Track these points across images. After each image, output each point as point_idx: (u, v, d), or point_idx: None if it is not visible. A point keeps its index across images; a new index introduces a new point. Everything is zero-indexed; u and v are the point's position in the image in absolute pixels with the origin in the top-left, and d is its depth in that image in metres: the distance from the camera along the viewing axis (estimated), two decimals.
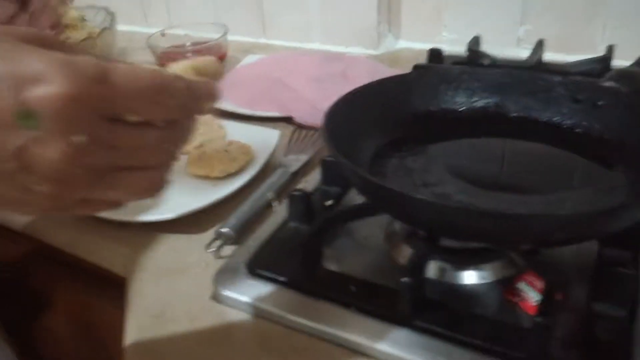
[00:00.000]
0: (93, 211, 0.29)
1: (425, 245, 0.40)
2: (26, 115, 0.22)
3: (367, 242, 0.49)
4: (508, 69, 0.54)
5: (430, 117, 0.52)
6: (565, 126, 0.50)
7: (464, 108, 0.53)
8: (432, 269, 0.44)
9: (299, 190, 0.48)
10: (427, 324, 0.38)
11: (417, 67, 0.70)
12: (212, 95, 0.29)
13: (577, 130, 0.49)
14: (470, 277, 0.44)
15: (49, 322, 0.68)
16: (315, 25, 0.92)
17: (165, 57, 0.86)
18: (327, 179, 0.52)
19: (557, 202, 0.42)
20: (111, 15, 0.87)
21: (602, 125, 0.48)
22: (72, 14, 0.86)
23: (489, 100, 0.52)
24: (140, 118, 0.25)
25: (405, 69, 0.74)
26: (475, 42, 0.76)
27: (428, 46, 0.88)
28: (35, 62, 0.22)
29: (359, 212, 0.46)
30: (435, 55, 0.74)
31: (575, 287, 0.40)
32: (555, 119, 0.50)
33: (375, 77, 0.57)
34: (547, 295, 0.41)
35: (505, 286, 0.43)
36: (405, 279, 0.37)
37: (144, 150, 0.26)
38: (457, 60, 0.76)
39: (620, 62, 0.76)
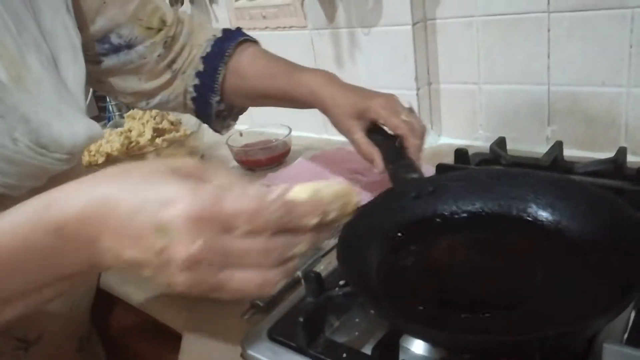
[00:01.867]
0: (221, 296, 0.36)
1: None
2: (161, 230, 0.32)
3: (372, 317, 0.59)
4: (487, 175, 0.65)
5: (428, 221, 0.64)
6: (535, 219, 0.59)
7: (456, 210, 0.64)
8: (415, 343, 0.53)
9: (313, 271, 0.60)
10: None
11: (440, 166, 0.81)
12: (312, 213, 0.36)
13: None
14: (446, 353, 0.52)
15: None
16: None
17: (241, 152, 1.04)
18: None
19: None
20: None
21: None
22: (170, 118, 1.08)
23: (474, 204, 0.64)
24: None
25: (446, 161, 0.84)
26: (499, 142, 0.85)
27: (467, 142, 0.99)
28: (170, 189, 0.34)
29: (351, 297, 0.58)
30: (461, 155, 0.84)
31: None
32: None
33: None
34: None
35: None
36: (375, 351, 0.47)
37: (252, 253, 0.34)
38: (482, 159, 0.85)
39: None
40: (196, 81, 0.75)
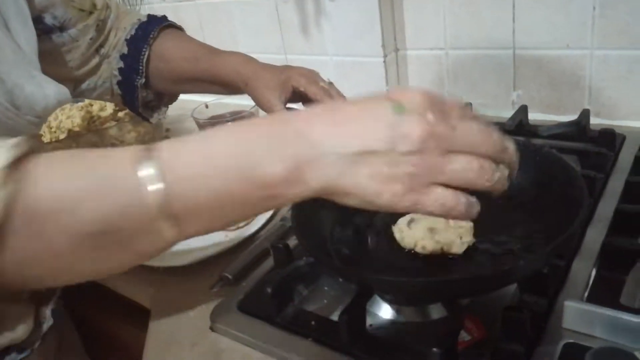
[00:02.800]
0: (429, 206, 0.35)
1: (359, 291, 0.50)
2: (399, 107, 0.34)
3: (340, 285, 0.59)
4: None
5: None
6: None
7: None
8: (382, 308, 0.54)
9: (282, 242, 0.60)
10: (361, 353, 0.48)
11: None
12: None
13: None
14: (412, 315, 0.53)
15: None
16: None
17: (208, 125, 1.02)
18: None
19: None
20: None
21: None
22: None
23: None
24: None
25: None
26: None
27: None
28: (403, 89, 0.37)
29: (317, 267, 0.58)
30: None
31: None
32: None
33: None
34: (473, 335, 0.50)
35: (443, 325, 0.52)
36: (343, 317, 0.48)
37: (472, 132, 0.35)
38: None
39: (605, 121, 0.83)
40: (120, 64, 0.76)
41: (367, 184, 0.35)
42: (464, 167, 0.35)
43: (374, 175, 0.35)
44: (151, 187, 0.33)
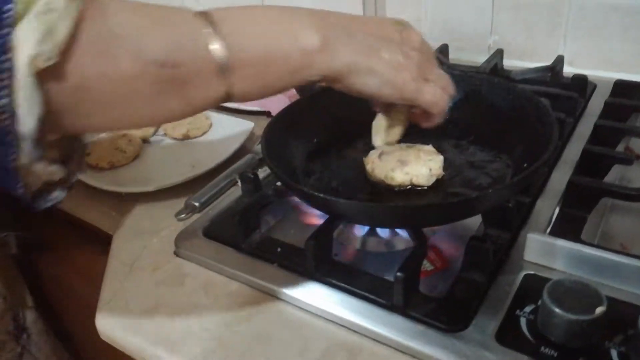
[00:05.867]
0: (426, 93, 0.46)
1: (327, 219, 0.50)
2: (398, 23, 0.48)
3: (307, 215, 0.59)
4: None
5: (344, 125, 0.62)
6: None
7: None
8: (349, 238, 0.54)
9: (251, 172, 0.59)
10: (326, 277, 0.48)
11: None
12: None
13: None
14: (377, 246, 0.54)
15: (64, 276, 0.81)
16: None
17: None
18: None
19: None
20: None
21: None
22: None
23: None
24: None
25: None
26: (441, 49, 0.84)
27: None
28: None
29: (283, 194, 0.57)
30: None
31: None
32: None
33: None
34: (435, 265, 0.51)
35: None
36: (309, 242, 0.47)
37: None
38: None
39: (578, 70, 0.83)
40: None
41: (385, 68, 0.43)
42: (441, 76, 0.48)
43: (391, 60, 0.43)
44: (206, 30, 0.37)
